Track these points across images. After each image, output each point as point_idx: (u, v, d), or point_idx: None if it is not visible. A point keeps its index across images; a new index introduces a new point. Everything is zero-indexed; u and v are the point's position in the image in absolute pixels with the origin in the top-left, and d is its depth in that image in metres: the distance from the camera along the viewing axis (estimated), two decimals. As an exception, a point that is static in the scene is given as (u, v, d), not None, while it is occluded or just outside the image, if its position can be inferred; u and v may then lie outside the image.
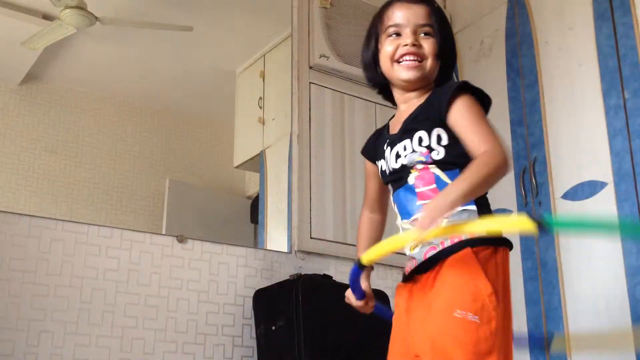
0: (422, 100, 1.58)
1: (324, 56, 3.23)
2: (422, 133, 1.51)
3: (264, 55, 3.55)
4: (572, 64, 2.96)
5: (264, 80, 3.53)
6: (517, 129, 3.09)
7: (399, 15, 1.59)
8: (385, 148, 1.61)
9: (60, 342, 2.34)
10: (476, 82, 1.67)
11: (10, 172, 3.16)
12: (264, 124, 3.44)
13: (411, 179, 1.51)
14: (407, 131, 1.54)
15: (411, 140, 1.52)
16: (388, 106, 1.70)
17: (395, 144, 1.56)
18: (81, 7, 3.20)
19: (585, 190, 2.79)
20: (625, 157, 2.69)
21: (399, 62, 1.58)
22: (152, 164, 3.52)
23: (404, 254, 1.59)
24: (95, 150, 3.41)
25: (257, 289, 2.72)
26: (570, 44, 3.00)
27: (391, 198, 1.61)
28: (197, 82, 3.72)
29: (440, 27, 1.59)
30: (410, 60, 1.56)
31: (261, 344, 2.61)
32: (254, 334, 2.67)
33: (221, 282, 2.72)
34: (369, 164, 1.73)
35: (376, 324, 2.70)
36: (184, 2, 3.48)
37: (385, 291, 2.79)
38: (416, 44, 1.56)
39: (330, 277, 2.77)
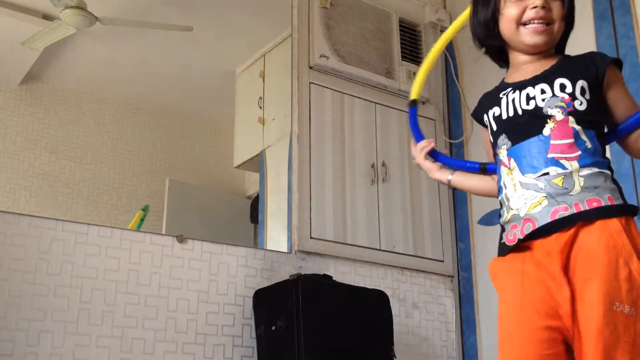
0: (547, 61, 1.51)
1: (324, 56, 3.23)
2: (564, 80, 1.44)
3: (264, 55, 3.55)
4: (572, 64, 2.96)
5: (264, 80, 3.53)
6: (517, 129, 3.09)
7: None
8: (501, 96, 1.51)
9: (60, 342, 2.34)
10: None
11: (10, 172, 3.16)
12: (264, 124, 3.44)
13: (546, 130, 1.41)
14: (544, 77, 1.46)
15: (551, 86, 1.44)
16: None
17: (526, 87, 1.47)
18: (81, 7, 3.20)
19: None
20: (625, 157, 2.69)
21: (525, 25, 1.49)
22: (152, 164, 3.52)
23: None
24: (95, 150, 3.41)
25: (257, 289, 2.72)
26: (571, 44, 2.99)
27: (501, 153, 1.50)
28: (197, 82, 3.72)
29: None
30: (538, 23, 1.48)
31: (261, 344, 2.61)
32: (254, 334, 2.67)
33: (221, 282, 2.72)
34: (483, 130, 1.63)
35: (376, 324, 2.71)
36: (184, 2, 3.48)
37: (386, 291, 2.80)
38: (546, 7, 1.47)
39: (330, 277, 2.77)
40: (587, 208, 1.35)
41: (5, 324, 2.27)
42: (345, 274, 2.98)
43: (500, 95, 1.52)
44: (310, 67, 3.22)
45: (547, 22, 1.49)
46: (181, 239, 2.69)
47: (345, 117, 3.26)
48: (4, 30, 3.33)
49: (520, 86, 1.49)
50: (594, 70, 1.45)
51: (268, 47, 3.53)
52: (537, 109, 1.44)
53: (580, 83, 1.43)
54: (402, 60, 3.49)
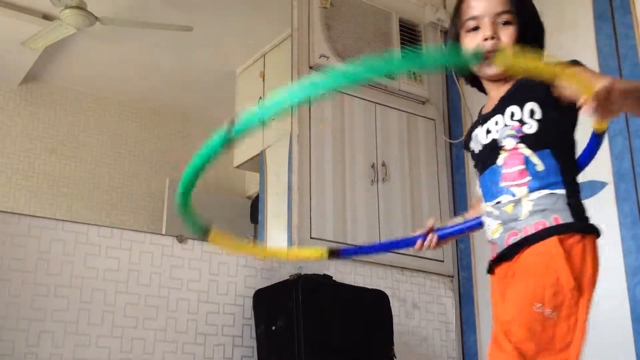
0: (506, 87, 1.53)
1: (324, 56, 3.23)
2: (514, 108, 1.46)
3: (264, 55, 3.55)
4: (572, 64, 2.96)
5: (264, 80, 3.53)
6: (517, 129, 3.09)
7: (475, 6, 1.52)
8: (475, 131, 1.56)
9: (60, 342, 2.34)
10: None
11: (10, 172, 3.16)
12: (264, 124, 3.44)
13: (500, 160, 1.46)
14: (498, 108, 1.50)
15: (503, 115, 1.48)
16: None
17: (487, 121, 1.51)
18: (81, 7, 3.20)
19: (585, 190, 2.78)
20: (625, 157, 2.69)
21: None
22: (152, 164, 3.52)
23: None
24: (95, 150, 3.41)
25: (257, 289, 2.72)
26: (570, 44, 3.00)
27: (477, 182, 1.57)
28: (197, 82, 3.72)
29: (520, 11, 1.52)
30: (491, 54, 1.49)
31: (261, 344, 2.61)
32: (254, 334, 2.67)
33: (221, 282, 2.72)
34: None
35: (376, 324, 2.71)
36: (184, 2, 3.48)
37: (386, 291, 2.80)
38: (495, 36, 1.50)
39: (330, 277, 2.77)
40: (534, 231, 1.39)
41: (5, 324, 2.27)
42: (345, 274, 2.98)
43: (475, 131, 1.58)
44: (310, 67, 3.22)
45: (498, 50, 1.51)
46: (181, 239, 2.69)
47: (345, 117, 3.26)
48: (4, 30, 3.33)
49: (482, 120, 1.54)
50: (543, 85, 1.43)
51: (268, 47, 3.53)
52: (493, 141, 1.49)
53: (529, 106, 1.45)
54: (402, 60, 3.48)
